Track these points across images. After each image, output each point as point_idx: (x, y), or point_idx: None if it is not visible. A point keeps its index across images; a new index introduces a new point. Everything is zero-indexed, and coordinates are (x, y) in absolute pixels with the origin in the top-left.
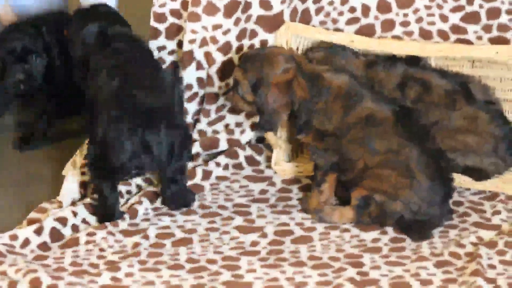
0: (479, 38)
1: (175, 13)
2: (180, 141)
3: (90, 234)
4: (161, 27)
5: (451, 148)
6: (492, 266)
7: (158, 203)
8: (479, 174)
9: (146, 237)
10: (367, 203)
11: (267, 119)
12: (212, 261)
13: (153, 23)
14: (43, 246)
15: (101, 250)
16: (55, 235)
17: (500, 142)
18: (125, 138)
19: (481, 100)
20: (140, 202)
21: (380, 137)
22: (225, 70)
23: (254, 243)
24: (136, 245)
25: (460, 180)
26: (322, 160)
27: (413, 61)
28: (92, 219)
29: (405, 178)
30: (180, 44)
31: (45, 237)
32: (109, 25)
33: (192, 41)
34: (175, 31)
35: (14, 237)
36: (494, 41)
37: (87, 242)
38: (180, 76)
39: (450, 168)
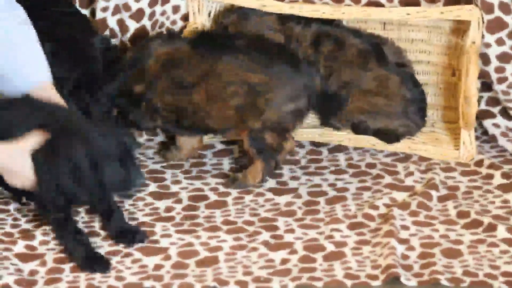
0: (390, 0)
1: None
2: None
3: None
4: None
5: (362, 110)
6: (405, 227)
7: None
8: (389, 136)
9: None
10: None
11: None
12: None
13: None
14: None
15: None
16: None
17: (410, 104)
18: None
19: (393, 62)
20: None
21: None
22: (139, 37)
23: (168, 209)
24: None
25: (373, 142)
26: None
27: (327, 20)
28: None
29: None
30: (93, 12)
31: None
32: None
33: (104, 9)
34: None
35: None
36: (405, 3)
37: None
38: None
39: (361, 131)
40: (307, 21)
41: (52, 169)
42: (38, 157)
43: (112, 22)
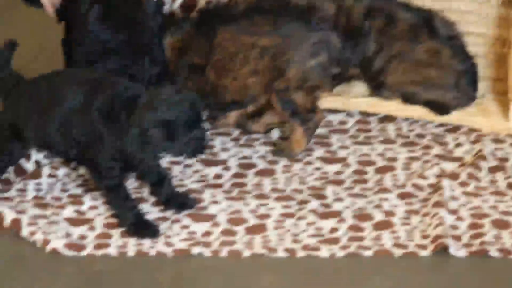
0: None
1: None
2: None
3: None
4: None
5: (413, 82)
6: (455, 198)
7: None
8: (440, 108)
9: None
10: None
11: None
12: None
13: None
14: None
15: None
16: None
17: (462, 76)
18: None
19: (444, 34)
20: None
21: None
22: (188, 5)
23: (217, 176)
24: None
25: (422, 112)
26: None
27: None
28: None
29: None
30: None
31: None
32: None
33: None
34: None
35: None
36: None
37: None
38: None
39: (412, 101)
40: None
41: (118, 133)
42: (103, 120)
43: None
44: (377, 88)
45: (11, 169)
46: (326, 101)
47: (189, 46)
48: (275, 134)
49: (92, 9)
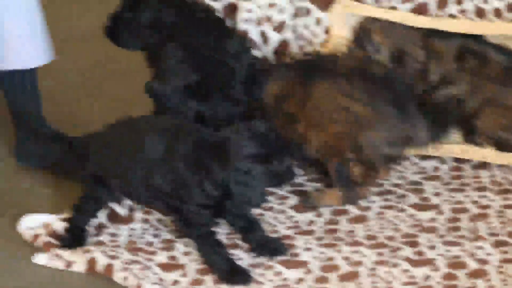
0: None
1: None
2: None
3: None
4: (218, 5)
5: (503, 127)
6: None
7: None
8: None
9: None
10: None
11: None
12: None
13: (209, 1)
14: (100, 227)
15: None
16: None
17: None
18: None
19: None
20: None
21: None
22: (281, 50)
23: (310, 222)
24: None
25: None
26: None
27: (470, 36)
28: None
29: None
30: None
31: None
32: None
33: (247, 20)
34: (232, 10)
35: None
36: None
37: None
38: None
39: (505, 148)
40: (449, 36)
41: (206, 180)
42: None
43: (254, 33)
44: (469, 133)
45: (103, 213)
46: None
47: (288, 94)
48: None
49: (170, 49)
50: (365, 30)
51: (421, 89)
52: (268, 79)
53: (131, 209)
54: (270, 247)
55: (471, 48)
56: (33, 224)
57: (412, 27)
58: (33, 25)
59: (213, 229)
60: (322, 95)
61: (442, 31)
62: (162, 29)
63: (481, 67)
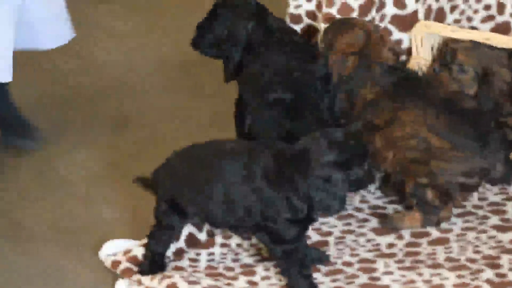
0: None
1: (310, 14)
2: None
3: None
4: (297, 28)
5: None
6: None
7: None
8: None
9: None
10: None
11: None
12: (348, 264)
13: (289, 24)
14: (179, 252)
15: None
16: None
17: None
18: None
19: None
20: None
21: None
22: None
23: (390, 245)
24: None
25: None
26: None
27: None
28: None
29: (421, 148)
30: None
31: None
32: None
33: None
34: (311, 33)
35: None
36: None
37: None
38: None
39: None
40: None
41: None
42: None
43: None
44: None
45: (182, 238)
46: None
47: (377, 104)
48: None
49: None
50: (449, 50)
51: (508, 110)
52: (364, 80)
53: (210, 234)
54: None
55: None
56: (114, 250)
57: (496, 47)
58: (54, 7)
59: (300, 246)
60: (408, 121)
61: None
62: (238, 43)
63: None
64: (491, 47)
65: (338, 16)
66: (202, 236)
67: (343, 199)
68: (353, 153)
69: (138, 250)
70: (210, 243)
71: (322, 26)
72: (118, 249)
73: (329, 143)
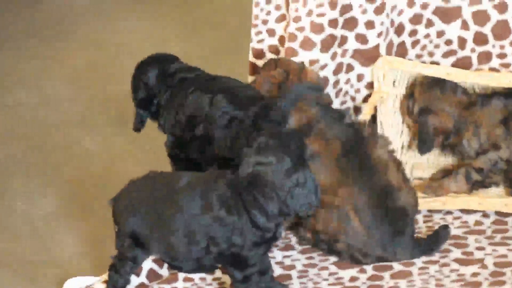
0: None
1: (273, 48)
2: None
3: None
4: (260, 63)
5: None
6: None
7: None
8: None
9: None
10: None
11: None
12: None
13: (251, 59)
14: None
15: None
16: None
17: None
18: None
19: None
20: None
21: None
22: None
23: (353, 279)
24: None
25: None
26: None
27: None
28: None
29: (341, 222)
30: None
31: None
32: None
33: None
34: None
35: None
36: None
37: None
38: None
39: None
40: (488, 98)
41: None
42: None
43: None
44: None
45: (143, 273)
46: (462, 202)
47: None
48: None
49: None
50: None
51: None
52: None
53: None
54: None
55: None
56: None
57: (451, 90)
58: None
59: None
60: (341, 193)
61: (485, 98)
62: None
63: None
64: (444, 90)
65: (300, 50)
66: (164, 272)
67: (316, 189)
68: (296, 146)
69: (100, 286)
70: (173, 278)
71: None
72: (80, 285)
73: (274, 153)
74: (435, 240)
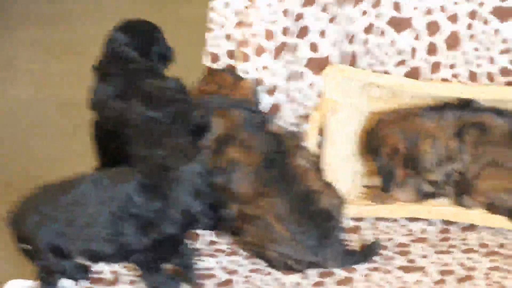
0: None
1: (229, 53)
2: None
3: None
4: (215, 67)
5: (505, 189)
6: None
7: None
8: None
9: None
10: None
11: None
12: None
13: (207, 63)
14: None
15: None
16: None
17: None
18: None
19: None
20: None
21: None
22: (273, 113)
23: (296, 285)
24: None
25: (506, 222)
26: None
27: (464, 104)
28: None
29: (266, 232)
30: None
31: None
32: None
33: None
34: None
35: None
36: None
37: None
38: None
39: (498, 210)
40: (440, 111)
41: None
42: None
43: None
44: (462, 194)
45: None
46: (408, 210)
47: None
48: None
49: None
50: None
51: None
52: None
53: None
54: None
55: (469, 120)
56: None
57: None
58: None
59: None
60: (262, 205)
61: (438, 110)
62: None
63: (481, 136)
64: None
65: (253, 56)
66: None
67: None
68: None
69: None
70: (115, 281)
71: (239, 65)
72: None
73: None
74: (366, 253)
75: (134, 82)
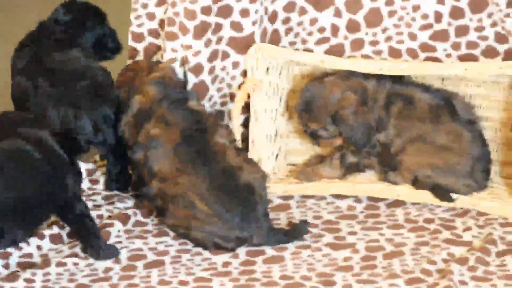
0: (448, 55)
1: (152, 32)
2: None
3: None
4: (140, 46)
5: (429, 164)
6: (464, 283)
7: (130, 225)
8: (446, 195)
9: (118, 261)
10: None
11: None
12: (184, 283)
13: (131, 42)
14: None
15: (72, 274)
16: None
17: (477, 163)
18: None
19: (464, 117)
20: (112, 225)
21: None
22: (197, 91)
23: (226, 264)
24: (108, 269)
25: (431, 197)
26: None
27: (398, 77)
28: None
29: (189, 210)
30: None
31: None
32: None
33: (172, 60)
34: (153, 51)
35: None
36: (463, 58)
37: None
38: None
39: (422, 186)
40: (380, 79)
41: None
42: None
43: (180, 73)
44: (388, 170)
45: (15, 259)
46: (334, 187)
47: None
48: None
49: None
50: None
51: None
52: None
53: (43, 253)
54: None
55: (397, 91)
56: None
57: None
58: None
59: None
60: (181, 183)
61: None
62: None
63: (406, 108)
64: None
65: (179, 34)
66: (35, 257)
67: None
68: None
69: None
70: (45, 264)
71: (166, 43)
72: None
73: None
74: (294, 233)
75: (39, 57)
